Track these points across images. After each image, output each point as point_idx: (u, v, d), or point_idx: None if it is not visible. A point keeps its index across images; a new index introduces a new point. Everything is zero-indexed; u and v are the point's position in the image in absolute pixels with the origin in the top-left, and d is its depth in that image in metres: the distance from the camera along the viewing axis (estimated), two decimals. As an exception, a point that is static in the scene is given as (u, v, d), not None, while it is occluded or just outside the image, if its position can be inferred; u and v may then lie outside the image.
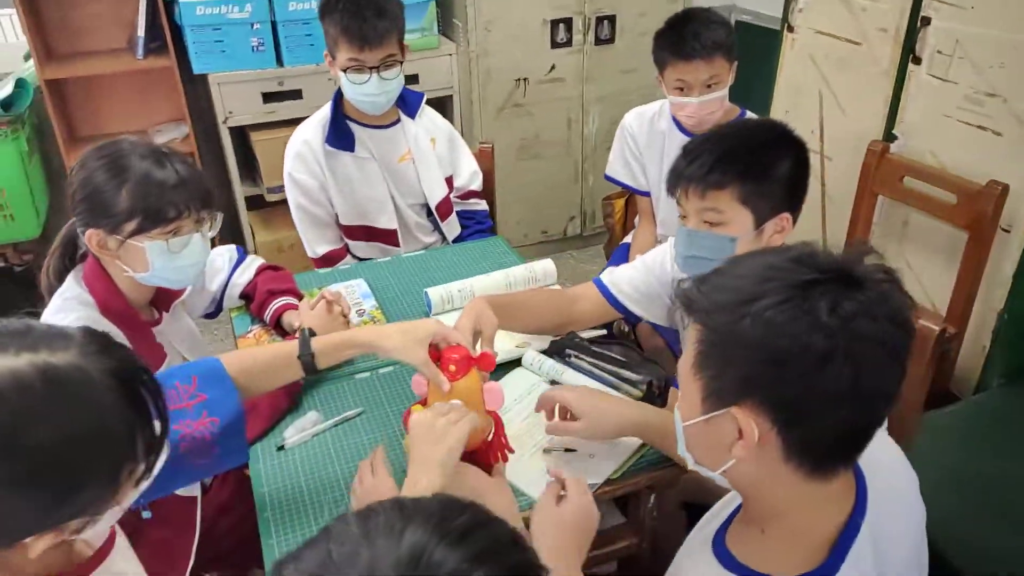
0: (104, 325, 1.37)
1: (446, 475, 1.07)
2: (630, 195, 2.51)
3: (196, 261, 1.42)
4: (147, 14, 2.89)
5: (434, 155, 2.19)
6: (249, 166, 3.16)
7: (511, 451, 1.30)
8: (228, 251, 1.74)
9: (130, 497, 0.84)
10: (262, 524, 1.22)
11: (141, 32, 2.92)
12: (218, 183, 3.22)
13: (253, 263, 1.75)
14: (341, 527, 0.56)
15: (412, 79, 3.07)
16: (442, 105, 3.23)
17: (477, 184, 2.31)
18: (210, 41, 2.84)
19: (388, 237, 2.19)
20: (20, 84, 2.73)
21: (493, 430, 1.28)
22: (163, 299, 1.52)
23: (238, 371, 1.16)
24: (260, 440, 1.38)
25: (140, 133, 3.12)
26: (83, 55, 2.99)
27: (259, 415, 1.38)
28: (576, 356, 1.51)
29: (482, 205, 2.36)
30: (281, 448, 1.36)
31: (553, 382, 1.48)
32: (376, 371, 1.56)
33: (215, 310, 1.74)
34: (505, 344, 1.54)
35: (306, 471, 1.32)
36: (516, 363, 1.54)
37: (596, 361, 1.49)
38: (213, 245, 1.57)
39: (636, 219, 2.48)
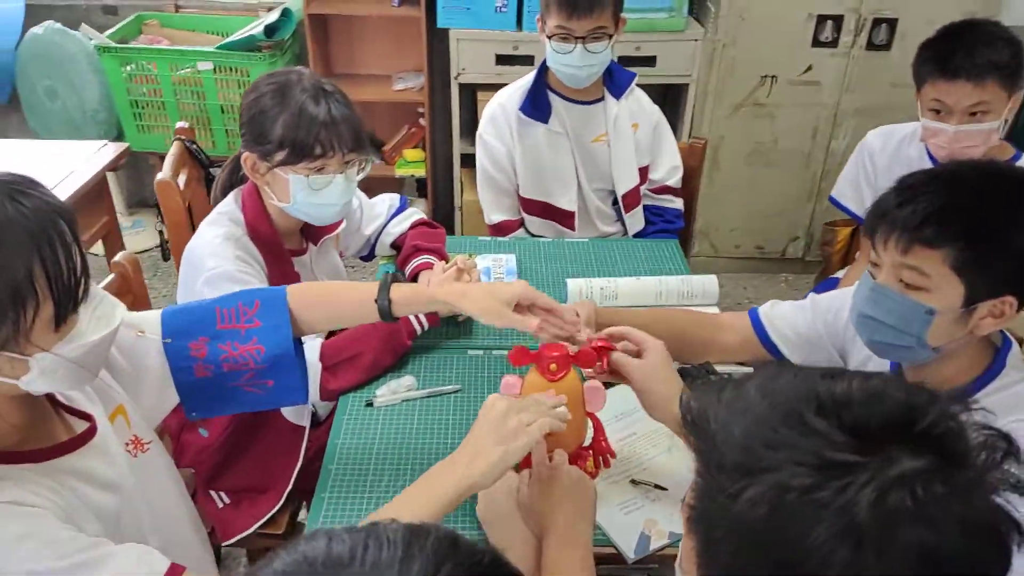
0: (246, 244, 1.41)
1: (487, 477, 0.97)
2: (857, 225, 2.17)
3: (336, 201, 1.41)
4: (409, -36, 3.00)
5: (632, 141, 2.04)
6: (473, 124, 3.20)
7: (613, 456, 1.18)
8: (391, 199, 1.74)
9: (54, 341, 0.84)
10: (323, 474, 1.20)
11: (401, -20, 3.05)
12: (442, 137, 3.31)
13: (411, 216, 1.73)
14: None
15: (649, 61, 2.91)
16: (676, 93, 3.04)
17: (675, 180, 2.13)
18: (458, -3, 2.90)
19: (565, 218, 2.09)
20: (285, 14, 2.97)
21: (592, 434, 1.15)
22: (313, 232, 1.55)
23: (303, 304, 1.13)
24: (354, 390, 1.36)
25: (383, 78, 3.28)
26: (348, -5, 3.19)
27: (359, 366, 1.36)
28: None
29: (675, 203, 2.17)
30: (369, 404, 1.33)
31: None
32: (490, 351, 1.47)
33: (368, 253, 1.75)
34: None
35: (383, 435, 1.27)
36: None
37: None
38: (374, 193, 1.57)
39: (857, 254, 2.15)
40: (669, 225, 2.17)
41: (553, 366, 1.09)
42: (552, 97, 1.99)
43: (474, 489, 0.97)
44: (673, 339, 1.25)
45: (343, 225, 1.64)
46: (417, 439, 1.27)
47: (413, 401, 1.35)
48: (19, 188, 0.82)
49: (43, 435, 0.93)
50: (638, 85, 2.07)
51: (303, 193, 1.38)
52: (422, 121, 3.29)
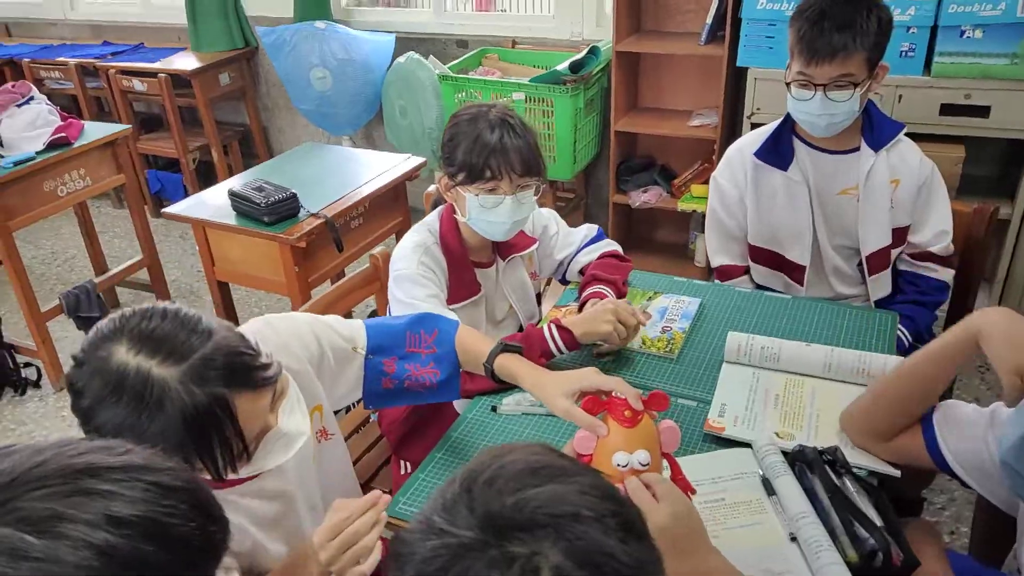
0: (434, 252, 1.64)
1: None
2: None
3: (504, 220, 1.56)
4: (720, 3, 3.03)
5: (888, 198, 1.86)
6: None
7: (692, 492, 1.13)
8: (587, 229, 1.84)
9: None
10: (426, 460, 1.35)
11: (710, 20, 3.09)
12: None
13: (603, 247, 1.81)
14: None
15: (981, 111, 2.57)
16: (1013, 149, 2.63)
17: (941, 247, 1.89)
18: (760, 36, 2.86)
19: (794, 271, 1.98)
20: (593, 51, 3.19)
21: (669, 473, 1.15)
22: (502, 248, 1.73)
23: (459, 344, 1.36)
24: (488, 394, 1.50)
25: (683, 113, 3.35)
26: (659, 34, 3.32)
27: (494, 374, 1.50)
28: (810, 473, 1.20)
29: (938, 273, 1.92)
30: (494, 409, 1.46)
31: (765, 481, 1.22)
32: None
33: (561, 278, 1.87)
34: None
35: (495, 439, 1.39)
36: (743, 444, 1.32)
37: (828, 494, 1.16)
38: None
39: None
40: (924, 297, 1.93)
41: (628, 412, 1.10)
42: (797, 144, 1.91)
43: None
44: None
45: (534, 247, 1.78)
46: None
47: (533, 416, 1.44)
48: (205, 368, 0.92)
49: None
50: (961, 137, 1.89)
51: (476, 210, 1.57)
52: (715, 158, 3.28)
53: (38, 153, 2.77)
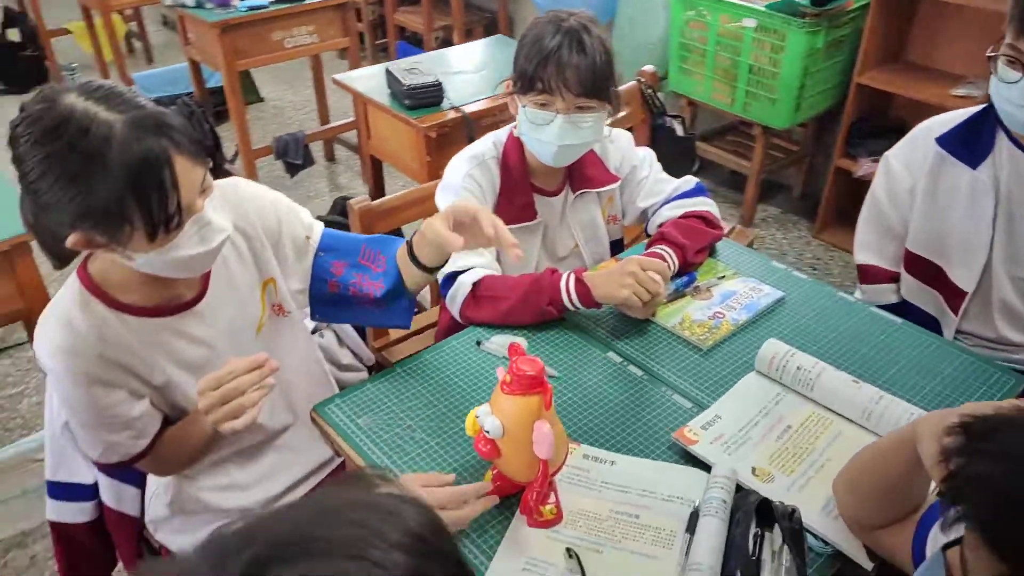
0: (488, 167, 1.51)
1: None
2: None
3: (552, 140, 1.39)
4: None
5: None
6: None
7: (536, 514, 1.02)
8: (684, 181, 1.60)
9: (150, 249, 0.99)
10: (388, 371, 1.31)
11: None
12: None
13: (693, 205, 1.56)
14: None
15: None
16: None
17: None
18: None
19: (953, 297, 1.57)
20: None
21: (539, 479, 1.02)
22: (576, 179, 1.56)
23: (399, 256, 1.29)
24: (484, 327, 1.40)
25: (953, 77, 2.75)
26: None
27: (497, 308, 1.38)
28: (744, 526, 0.96)
29: None
30: (478, 344, 1.36)
31: (693, 515, 1.01)
32: (626, 364, 1.31)
33: (645, 228, 1.66)
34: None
35: (465, 373, 1.30)
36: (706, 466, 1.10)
37: (743, 561, 0.93)
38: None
39: None
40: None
41: (508, 377, 0.98)
42: (1000, 139, 1.48)
43: None
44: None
45: (615, 186, 1.59)
46: (485, 394, 1.26)
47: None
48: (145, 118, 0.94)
49: (169, 297, 1.15)
50: None
51: (526, 125, 1.42)
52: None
53: (271, 3, 3.01)
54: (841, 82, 3.01)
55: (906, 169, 1.61)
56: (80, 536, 1.39)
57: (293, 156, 3.33)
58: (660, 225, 1.57)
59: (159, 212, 0.96)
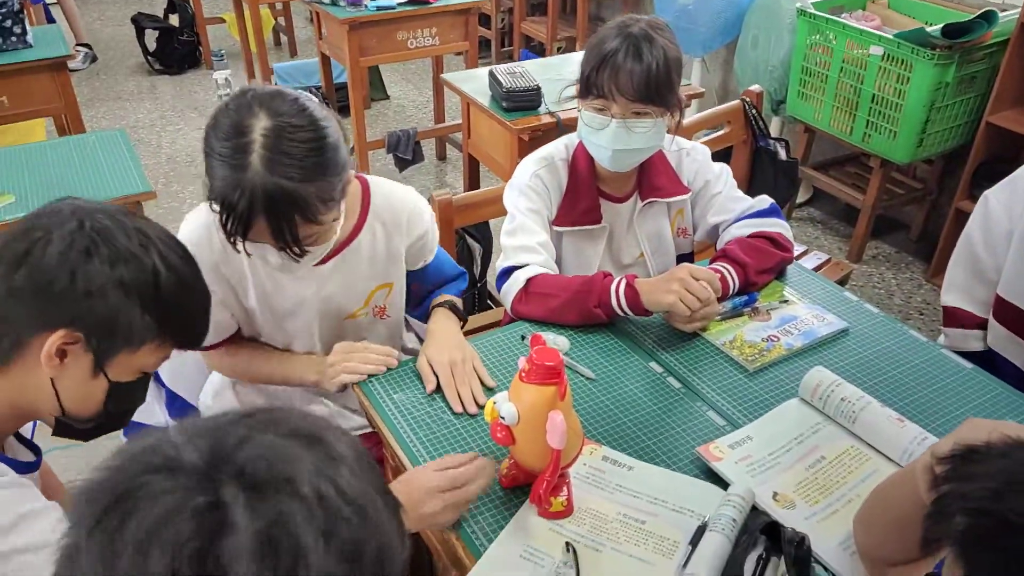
0: (556, 169, 1.52)
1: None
2: None
3: (606, 145, 1.40)
4: None
5: None
6: None
7: (546, 503, 1.03)
8: (758, 200, 1.55)
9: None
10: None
11: None
12: None
13: (764, 225, 1.51)
14: None
15: None
16: None
17: None
18: None
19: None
20: (986, 16, 2.53)
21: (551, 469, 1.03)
22: (645, 188, 1.55)
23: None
24: (535, 323, 1.41)
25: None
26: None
27: (547, 305, 1.39)
28: (747, 549, 0.93)
29: None
30: (523, 338, 1.38)
31: (699, 530, 0.99)
32: (666, 375, 1.30)
33: (715, 245, 1.62)
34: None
35: (505, 367, 1.32)
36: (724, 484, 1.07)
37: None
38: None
39: None
40: None
41: (527, 366, 1.00)
42: None
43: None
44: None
45: (686, 197, 1.57)
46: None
47: (552, 360, 1.33)
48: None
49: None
50: None
51: (585, 128, 1.43)
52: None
53: (399, 4, 3.16)
54: (971, 120, 2.83)
55: (1005, 211, 1.51)
56: None
57: (403, 151, 3.46)
58: (727, 243, 1.53)
59: (281, 241, 1.11)
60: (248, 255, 1.26)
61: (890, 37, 2.71)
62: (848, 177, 3.28)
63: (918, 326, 2.76)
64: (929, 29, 2.57)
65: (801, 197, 3.54)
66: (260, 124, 1.06)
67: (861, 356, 1.34)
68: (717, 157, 2.44)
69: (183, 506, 0.47)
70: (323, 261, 1.32)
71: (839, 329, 1.39)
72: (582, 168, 1.52)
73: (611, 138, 1.39)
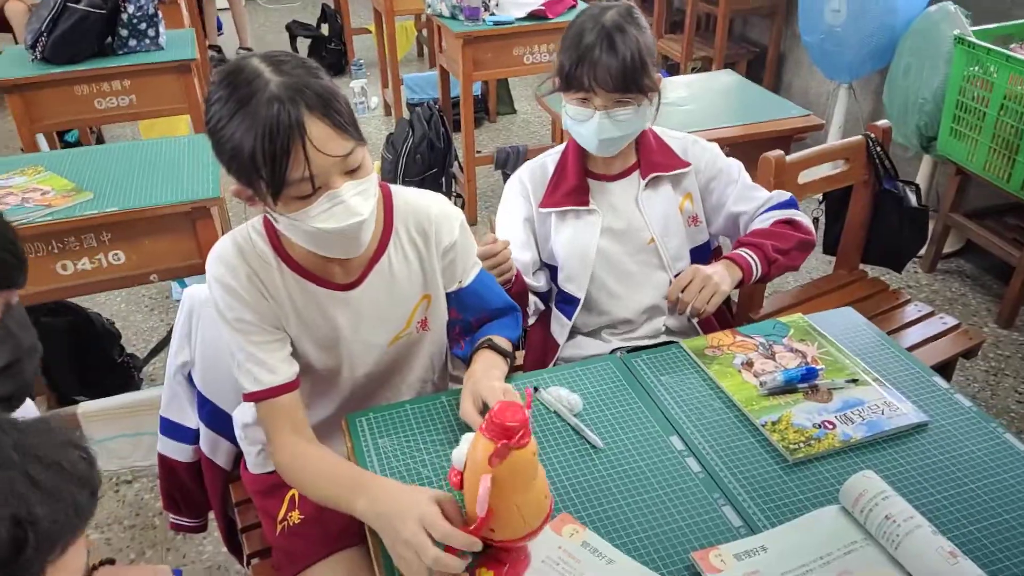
0: (546, 164, 1.58)
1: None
2: None
3: (592, 134, 1.42)
4: None
5: None
6: None
7: None
8: (778, 194, 1.54)
9: (281, 211, 1.02)
10: (434, 402, 1.23)
11: None
12: None
13: (784, 215, 1.50)
14: None
15: None
16: None
17: None
18: None
19: None
20: None
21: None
22: (645, 164, 1.54)
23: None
24: (546, 368, 1.28)
25: None
26: None
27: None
28: None
29: None
30: (536, 389, 1.23)
31: None
32: (685, 452, 1.11)
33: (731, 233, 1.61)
34: None
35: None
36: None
37: None
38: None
39: None
40: None
41: (493, 447, 0.86)
42: None
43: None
44: None
45: (686, 169, 1.54)
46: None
47: (558, 419, 1.18)
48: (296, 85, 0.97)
49: (324, 272, 1.18)
50: None
51: (570, 121, 1.45)
52: None
53: (518, 20, 3.08)
54: None
55: None
56: (180, 473, 1.51)
57: (512, 167, 3.38)
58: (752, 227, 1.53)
59: (279, 173, 0.97)
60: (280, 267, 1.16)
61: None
62: (1007, 230, 2.85)
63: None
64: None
65: (950, 247, 3.13)
66: (265, 69, 0.98)
67: (933, 461, 1.09)
68: (833, 199, 2.21)
69: None
70: (354, 284, 1.19)
71: (915, 423, 1.14)
72: (570, 154, 1.54)
73: (596, 128, 1.41)
